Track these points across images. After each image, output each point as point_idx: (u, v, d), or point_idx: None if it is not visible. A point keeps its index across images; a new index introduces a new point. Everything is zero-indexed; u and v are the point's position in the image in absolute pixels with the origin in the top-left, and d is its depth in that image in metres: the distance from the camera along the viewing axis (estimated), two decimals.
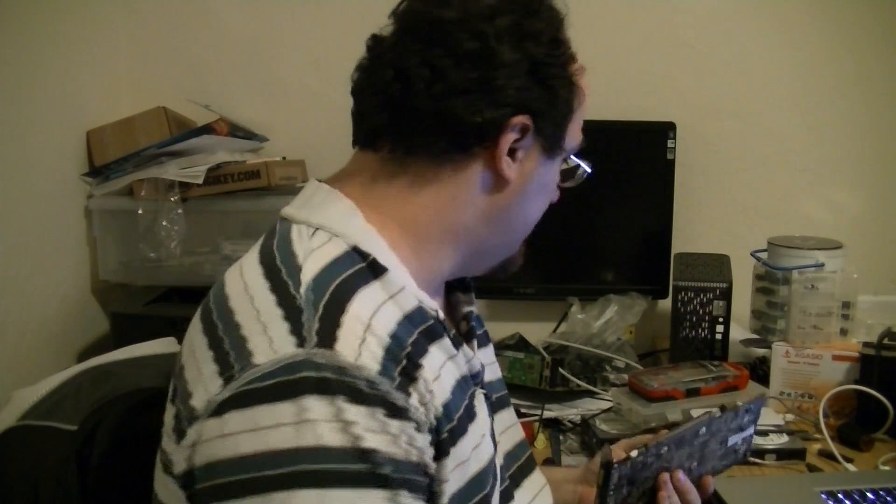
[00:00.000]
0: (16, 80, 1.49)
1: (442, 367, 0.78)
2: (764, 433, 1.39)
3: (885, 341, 1.45)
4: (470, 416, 0.81)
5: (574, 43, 0.87)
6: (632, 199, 1.86)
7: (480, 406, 0.86)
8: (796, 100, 1.92)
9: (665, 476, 0.97)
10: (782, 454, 1.36)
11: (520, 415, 1.58)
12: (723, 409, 1.00)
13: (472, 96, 0.80)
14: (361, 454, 0.67)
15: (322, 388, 0.67)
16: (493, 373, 1.00)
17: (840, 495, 1.21)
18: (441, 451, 0.74)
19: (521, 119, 0.82)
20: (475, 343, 0.93)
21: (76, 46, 1.72)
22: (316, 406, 0.67)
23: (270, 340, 0.70)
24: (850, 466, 1.35)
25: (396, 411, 0.70)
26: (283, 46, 1.96)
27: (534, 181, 0.87)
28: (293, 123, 1.95)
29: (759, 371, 1.64)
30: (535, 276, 1.90)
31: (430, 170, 0.83)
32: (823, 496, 1.21)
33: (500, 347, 1.71)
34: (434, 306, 0.81)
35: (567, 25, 0.87)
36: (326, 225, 0.80)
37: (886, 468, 1.35)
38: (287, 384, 0.67)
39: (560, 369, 1.65)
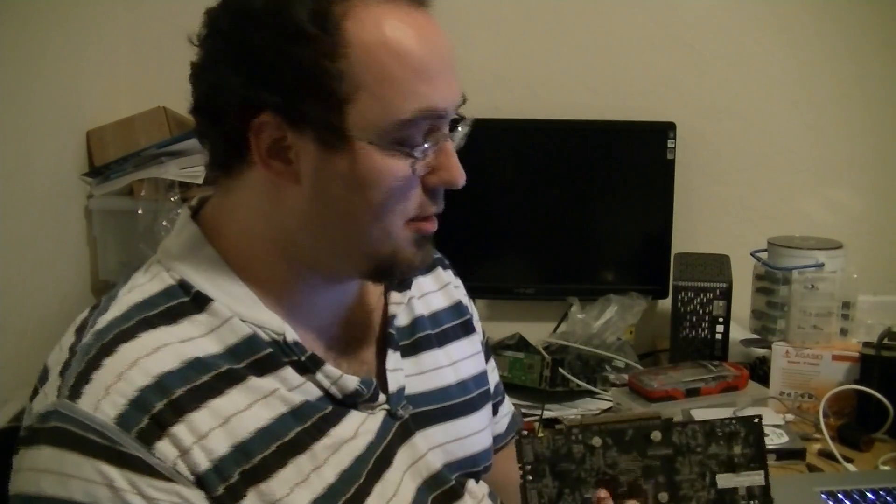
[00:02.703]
0: (16, 80, 1.49)
1: (251, 406, 0.77)
2: (764, 433, 1.39)
3: (885, 341, 1.45)
4: (293, 450, 0.78)
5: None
6: (632, 199, 1.86)
7: (349, 427, 0.83)
8: (796, 100, 1.92)
9: (602, 493, 0.79)
10: (782, 454, 1.36)
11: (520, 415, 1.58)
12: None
13: (216, 100, 0.76)
14: None
15: (54, 439, 0.71)
16: (427, 382, 0.93)
17: (840, 495, 1.21)
18: (234, 495, 0.74)
19: (260, 119, 0.74)
20: (389, 352, 0.90)
21: (76, 46, 1.72)
22: (42, 456, 0.71)
23: (47, 388, 0.76)
24: (850, 466, 1.35)
25: (127, 462, 0.70)
26: None
27: (325, 178, 0.76)
28: None
29: (759, 371, 1.64)
30: (535, 276, 1.90)
31: (233, 184, 0.80)
32: (823, 496, 1.21)
33: (501, 347, 1.71)
34: (281, 329, 0.80)
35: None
36: (167, 256, 0.82)
37: (886, 468, 1.35)
38: (35, 432, 0.72)
39: (560, 369, 1.65)
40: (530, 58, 1.91)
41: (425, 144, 0.77)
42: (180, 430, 0.72)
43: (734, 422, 0.80)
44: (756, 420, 0.81)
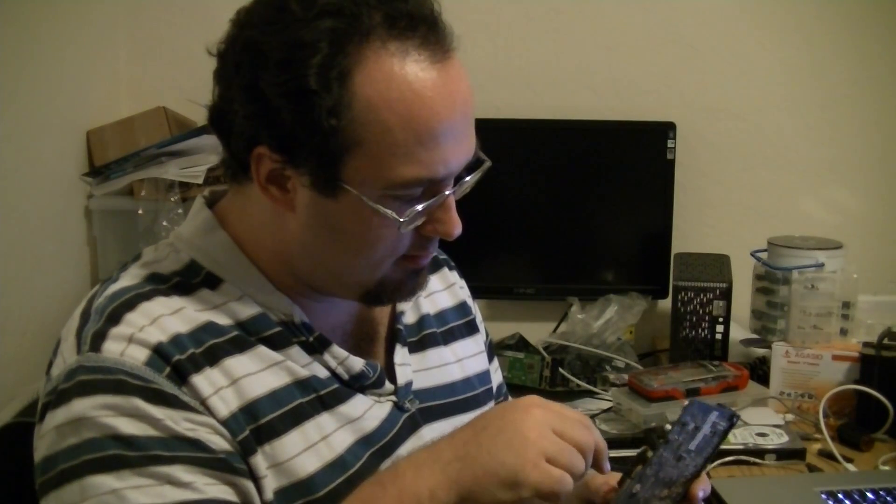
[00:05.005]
0: (16, 80, 1.49)
1: (259, 372, 0.79)
2: (764, 433, 1.39)
3: (885, 341, 1.45)
4: (298, 418, 0.80)
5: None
6: (632, 199, 1.86)
7: (355, 408, 0.84)
8: (796, 100, 1.92)
9: None
10: (782, 454, 1.36)
11: None
12: (651, 444, 0.85)
13: (225, 115, 0.77)
14: (120, 440, 0.71)
15: (86, 389, 0.72)
16: (433, 378, 0.95)
17: (840, 495, 1.21)
18: (247, 448, 0.77)
19: (259, 151, 0.75)
20: (397, 347, 0.92)
21: (76, 46, 1.72)
22: (75, 408, 0.72)
23: (64, 352, 0.77)
24: (850, 466, 1.35)
25: (163, 398, 0.73)
26: None
27: (314, 216, 0.78)
28: None
29: (759, 371, 1.64)
30: (535, 276, 1.90)
31: (243, 189, 0.82)
32: (823, 496, 1.21)
33: (501, 347, 1.71)
34: (290, 311, 0.82)
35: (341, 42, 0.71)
36: (180, 238, 0.85)
37: (886, 468, 1.35)
38: (61, 393, 0.73)
39: (560, 369, 1.65)
40: (530, 58, 1.91)
41: (419, 207, 0.76)
42: (199, 381, 0.75)
43: (674, 429, 0.86)
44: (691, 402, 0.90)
